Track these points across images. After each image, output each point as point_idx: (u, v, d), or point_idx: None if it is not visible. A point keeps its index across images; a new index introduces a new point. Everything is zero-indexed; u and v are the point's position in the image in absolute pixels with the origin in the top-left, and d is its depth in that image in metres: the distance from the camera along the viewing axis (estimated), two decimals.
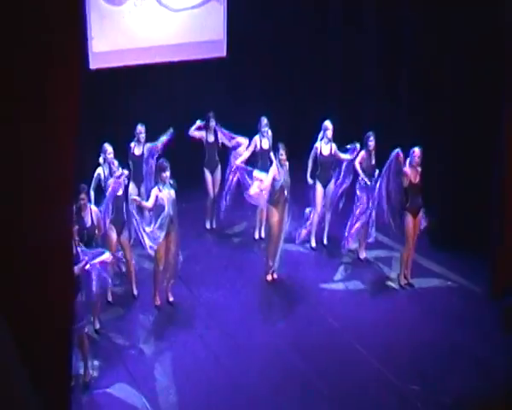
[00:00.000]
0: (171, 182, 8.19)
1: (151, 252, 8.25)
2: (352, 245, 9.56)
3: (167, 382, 7.37)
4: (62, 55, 5.12)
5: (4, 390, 4.61)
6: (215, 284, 9.03)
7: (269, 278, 9.15)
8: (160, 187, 8.13)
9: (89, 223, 7.71)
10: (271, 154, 9.48)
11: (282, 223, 8.91)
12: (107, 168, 8.61)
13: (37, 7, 4.89)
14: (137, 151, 9.31)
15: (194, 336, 8.05)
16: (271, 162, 9.14)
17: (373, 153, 9.20)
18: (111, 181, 8.24)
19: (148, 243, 8.14)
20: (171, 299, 8.56)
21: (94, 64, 10.21)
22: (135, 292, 8.64)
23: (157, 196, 8.09)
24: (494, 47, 8.50)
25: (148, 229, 8.12)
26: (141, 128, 9.27)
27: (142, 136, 9.27)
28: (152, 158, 9.27)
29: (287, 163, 8.77)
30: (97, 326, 7.98)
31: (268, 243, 9.11)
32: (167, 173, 8.13)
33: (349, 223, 9.36)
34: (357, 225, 9.29)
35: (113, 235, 8.31)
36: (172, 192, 8.16)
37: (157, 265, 8.36)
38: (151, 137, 9.44)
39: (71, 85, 5.40)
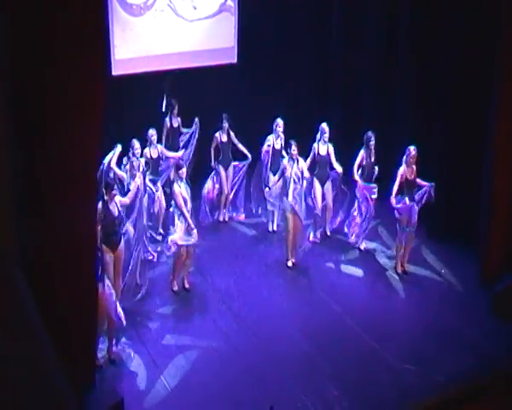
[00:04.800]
0: (187, 179, 8.64)
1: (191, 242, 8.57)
2: (353, 239, 9.89)
3: (183, 360, 7.69)
4: (89, 63, 5.63)
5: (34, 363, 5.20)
6: (227, 271, 9.35)
7: (289, 264, 9.49)
8: (179, 183, 8.55)
9: (116, 213, 8.00)
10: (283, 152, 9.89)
11: (297, 214, 9.26)
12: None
13: (67, 20, 5.40)
14: (154, 154, 9.67)
15: (208, 319, 8.41)
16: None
17: (373, 152, 9.47)
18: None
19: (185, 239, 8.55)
20: (187, 286, 8.94)
21: (116, 70, 10.36)
22: (138, 281, 8.82)
23: (180, 193, 8.51)
24: (488, 47, 8.61)
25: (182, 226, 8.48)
26: (152, 132, 9.64)
27: (154, 138, 9.64)
28: None
29: (299, 158, 9.20)
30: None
31: (287, 232, 9.45)
32: (183, 170, 8.62)
33: (350, 219, 9.77)
34: (357, 220, 9.68)
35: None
36: (188, 188, 8.62)
37: (177, 255, 8.70)
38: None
39: (96, 90, 5.86)
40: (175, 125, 10.42)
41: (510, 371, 7.43)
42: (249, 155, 10.34)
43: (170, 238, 8.61)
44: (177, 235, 8.55)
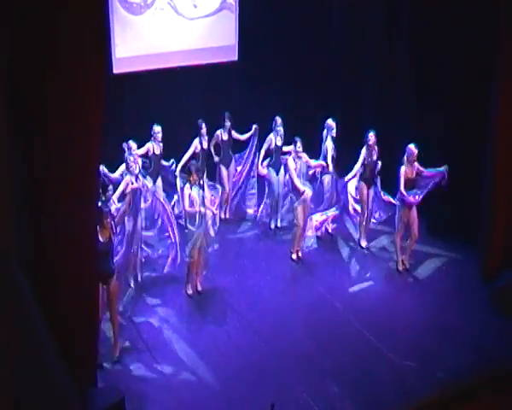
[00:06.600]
0: (200, 182, 8.55)
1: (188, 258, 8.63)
2: (364, 242, 9.88)
3: (184, 358, 7.71)
4: (89, 61, 5.67)
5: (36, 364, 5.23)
6: (228, 269, 9.36)
7: (294, 256, 9.57)
8: (192, 186, 8.49)
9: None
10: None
11: (304, 209, 9.37)
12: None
13: (68, 19, 5.46)
14: (156, 150, 9.67)
15: (209, 317, 8.42)
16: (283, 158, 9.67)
17: (374, 149, 9.46)
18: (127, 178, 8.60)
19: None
20: (199, 289, 8.87)
21: (117, 69, 10.40)
22: (139, 278, 8.91)
23: (190, 195, 8.44)
24: (488, 46, 8.62)
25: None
26: (157, 128, 9.62)
27: (159, 135, 9.62)
28: None
29: (303, 155, 9.28)
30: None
31: (296, 226, 9.49)
32: (197, 174, 8.53)
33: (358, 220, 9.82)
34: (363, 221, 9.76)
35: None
36: (201, 191, 8.50)
37: (191, 258, 8.66)
38: (168, 135, 9.82)
39: (96, 89, 5.91)
40: (204, 145, 10.03)
41: (510, 368, 7.43)
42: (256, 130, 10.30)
43: None
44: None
